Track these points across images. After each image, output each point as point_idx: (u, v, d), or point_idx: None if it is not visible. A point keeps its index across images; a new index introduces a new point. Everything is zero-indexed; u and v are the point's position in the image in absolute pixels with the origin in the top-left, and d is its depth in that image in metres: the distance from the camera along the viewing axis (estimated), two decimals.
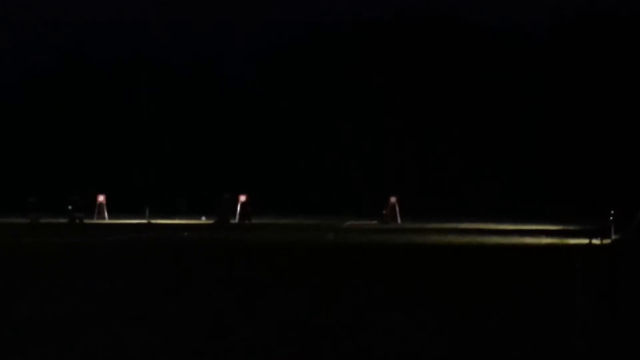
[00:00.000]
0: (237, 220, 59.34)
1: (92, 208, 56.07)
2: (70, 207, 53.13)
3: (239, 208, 60.91)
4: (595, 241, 29.14)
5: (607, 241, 29.64)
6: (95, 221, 53.51)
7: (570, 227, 42.41)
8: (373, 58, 75.99)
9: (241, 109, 78.31)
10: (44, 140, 78.09)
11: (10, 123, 78.90)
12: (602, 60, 71.73)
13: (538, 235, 35.23)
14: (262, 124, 75.74)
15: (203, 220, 57.73)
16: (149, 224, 50.60)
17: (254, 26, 79.31)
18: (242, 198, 61.44)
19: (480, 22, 75.54)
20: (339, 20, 77.72)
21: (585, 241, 29.37)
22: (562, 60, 73.59)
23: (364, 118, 75.04)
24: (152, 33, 78.80)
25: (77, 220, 48.69)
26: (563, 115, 71.89)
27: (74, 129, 79.41)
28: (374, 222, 53.85)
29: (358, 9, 77.86)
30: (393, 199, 57.25)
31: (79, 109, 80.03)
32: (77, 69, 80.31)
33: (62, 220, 51.84)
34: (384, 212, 55.31)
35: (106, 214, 55.98)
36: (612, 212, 34.61)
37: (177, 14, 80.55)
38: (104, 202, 57.04)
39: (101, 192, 57.77)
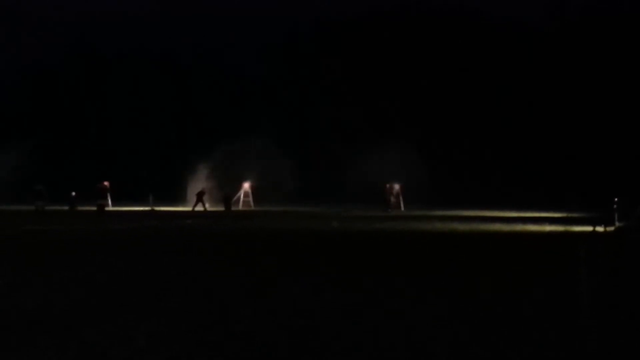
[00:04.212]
0: (240, 207, 59.54)
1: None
2: (73, 194, 53.21)
3: (242, 195, 61.09)
4: (599, 228, 29.09)
5: (610, 229, 29.58)
6: None
7: (574, 215, 42.35)
8: (377, 48, 75.91)
9: (244, 99, 78.40)
10: (50, 130, 78.46)
11: (18, 113, 79.25)
12: (606, 50, 71.62)
13: (541, 222, 35.21)
14: (266, 114, 75.71)
15: (207, 207, 57.83)
16: (153, 211, 50.69)
17: (258, 17, 79.45)
18: (246, 185, 61.67)
19: (483, 13, 75.49)
20: (342, 11, 77.70)
21: (589, 229, 29.33)
22: (566, 50, 73.50)
23: (368, 107, 74.96)
24: (156, 25, 79.01)
25: (98, 207, 48.33)
26: (567, 104, 71.82)
27: (79, 118, 79.81)
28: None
29: (361, 1, 77.95)
30: (397, 187, 57.28)
31: (84, 99, 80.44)
32: (83, 60, 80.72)
33: (64, 208, 52.05)
34: (388, 199, 55.31)
35: (110, 201, 55.92)
36: (616, 199, 34.56)
37: (180, 5, 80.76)
38: (108, 189, 56.86)
39: (105, 179, 57.58)
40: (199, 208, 53.95)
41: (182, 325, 9.20)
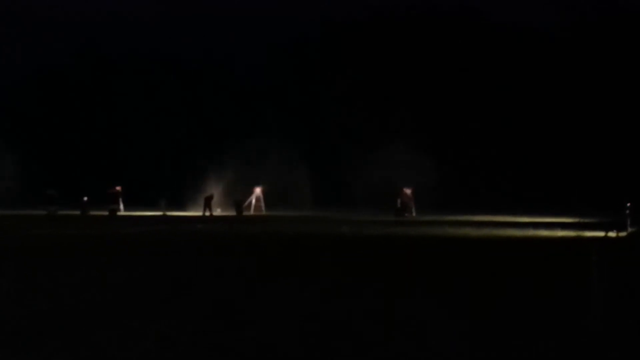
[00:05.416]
0: (251, 211, 59.53)
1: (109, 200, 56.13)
2: (85, 199, 53.28)
3: (253, 200, 61.08)
4: (611, 234, 28.95)
5: (623, 234, 29.44)
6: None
7: (586, 220, 42.17)
8: (382, 51, 75.88)
9: (252, 102, 78.47)
10: (61, 134, 78.67)
11: (28, 117, 79.43)
12: (613, 52, 71.41)
13: (553, 228, 35.06)
14: (274, 117, 75.69)
15: (219, 212, 57.87)
16: (165, 215, 50.74)
17: (266, 20, 79.52)
18: (258, 190, 61.65)
19: (493, 16, 75.44)
20: (350, 13, 77.75)
21: (601, 234, 29.19)
22: (574, 52, 73.32)
23: (377, 111, 74.87)
24: (164, 27, 79.20)
25: (110, 212, 48.25)
26: (577, 107, 71.58)
27: (89, 122, 79.98)
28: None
29: (370, 3, 77.93)
30: (408, 191, 57.07)
31: (94, 103, 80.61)
32: (92, 64, 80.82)
33: (76, 212, 52.12)
34: (398, 204, 55.14)
35: (121, 205, 55.99)
36: (629, 204, 34.40)
37: (187, 7, 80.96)
38: (120, 194, 57.01)
39: (117, 184, 57.69)
40: (207, 213, 53.98)
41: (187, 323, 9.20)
